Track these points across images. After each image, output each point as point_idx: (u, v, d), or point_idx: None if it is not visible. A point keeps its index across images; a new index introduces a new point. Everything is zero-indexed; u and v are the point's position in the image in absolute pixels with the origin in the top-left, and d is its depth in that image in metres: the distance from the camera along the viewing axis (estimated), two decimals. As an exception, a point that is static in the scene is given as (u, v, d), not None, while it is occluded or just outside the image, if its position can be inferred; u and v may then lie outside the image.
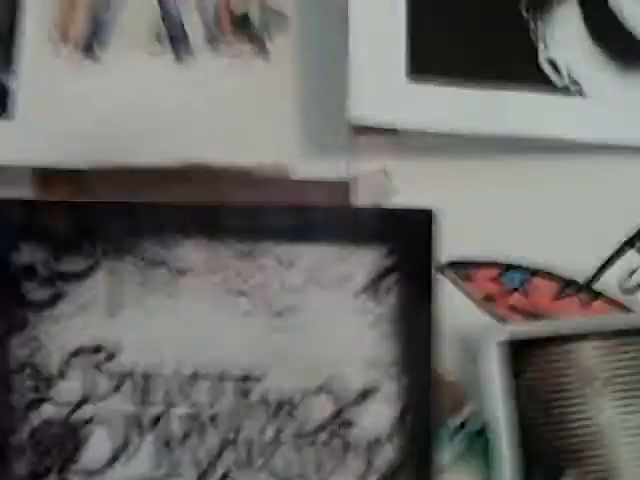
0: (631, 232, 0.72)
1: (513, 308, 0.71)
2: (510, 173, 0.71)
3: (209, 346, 0.68)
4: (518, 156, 0.70)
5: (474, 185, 0.70)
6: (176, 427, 0.69)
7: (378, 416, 0.69)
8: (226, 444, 0.69)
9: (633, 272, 0.72)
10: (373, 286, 0.69)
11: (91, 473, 0.69)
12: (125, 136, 0.69)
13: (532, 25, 0.71)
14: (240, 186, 0.69)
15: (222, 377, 0.68)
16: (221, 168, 0.69)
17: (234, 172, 0.69)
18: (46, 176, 0.69)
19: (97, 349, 0.69)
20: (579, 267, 0.71)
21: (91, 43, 0.73)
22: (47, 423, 0.69)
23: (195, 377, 0.68)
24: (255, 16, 0.73)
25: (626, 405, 0.69)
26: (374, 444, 0.69)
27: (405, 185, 0.70)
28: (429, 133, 0.68)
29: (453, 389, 0.70)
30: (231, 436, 0.69)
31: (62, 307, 0.69)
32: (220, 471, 0.69)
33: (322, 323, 0.69)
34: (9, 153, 0.67)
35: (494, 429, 0.69)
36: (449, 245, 0.69)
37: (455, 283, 0.70)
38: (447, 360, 0.70)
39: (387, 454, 0.69)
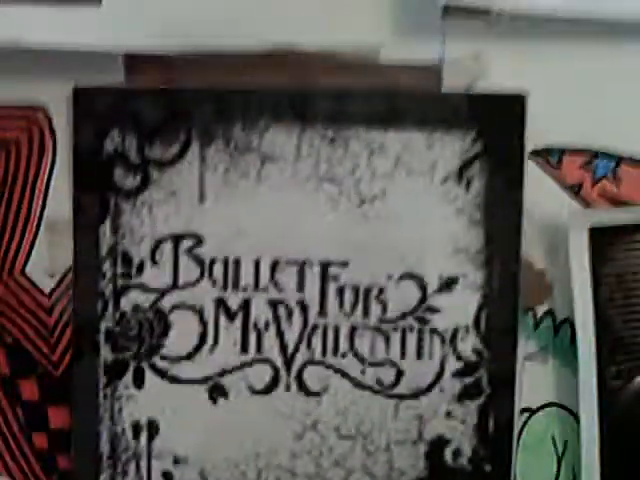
0: None
1: (601, 195, 0.70)
2: (603, 59, 0.69)
3: (296, 232, 0.69)
4: (612, 42, 0.69)
5: (566, 71, 0.69)
6: (263, 312, 0.69)
7: (463, 304, 0.69)
8: (313, 329, 0.69)
9: None
10: (461, 172, 0.68)
11: (178, 358, 0.70)
12: (215, 21, 0.68)
13: None
14: (330, 71, 0.68)
15: (308, 263, 0.69)
16: (311, 52, 0.68)
17: (324, 56, 0.68)
18: (136, 62, 0.69)
19: (186, 235, 0.69)
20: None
21: None
22: (136, 309, 0.70)
23: (281, 263, 0.69)
24: None
25: None
26: (459, 331, 0.69)
27: (497, 70, 0.68)
28: (523, 15, 0.67)
29: (539, 277, 0.70)
30: (318, 321, 0.69)
31: (152, 193, 0.69)
32: (306, 355, 0.69)
33: (409, 210, 0.69)
34: (98, 40, 0.66)
35: (579, 318, 0.69)
36: (538, 131, 0.68)
37: (544, 170, 0.70)
38: (534, 248, 0.70)
39: (471, 341, 0.69)
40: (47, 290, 0.72)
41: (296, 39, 0.68)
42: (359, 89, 0.68)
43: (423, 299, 0.69)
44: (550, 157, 0.69)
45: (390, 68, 0.68)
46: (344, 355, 0.70)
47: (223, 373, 0.70)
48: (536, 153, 0.69)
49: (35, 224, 0.71)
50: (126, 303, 0.70)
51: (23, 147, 0.71)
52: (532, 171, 0.69)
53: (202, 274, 0.70)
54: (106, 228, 0.70)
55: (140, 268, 0.70)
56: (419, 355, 0.69)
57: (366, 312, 0.69)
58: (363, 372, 0.69)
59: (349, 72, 0.68)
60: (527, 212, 0.69)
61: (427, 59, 0.68)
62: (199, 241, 0.69)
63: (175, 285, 0.70)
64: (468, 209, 0.68)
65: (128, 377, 0.70)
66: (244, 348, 0.70)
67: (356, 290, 0.69)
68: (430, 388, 0.69)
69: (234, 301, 0.70)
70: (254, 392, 0.70)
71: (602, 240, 0.68)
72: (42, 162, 0.71)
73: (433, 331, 0.69)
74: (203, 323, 0.70)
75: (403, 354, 0.69)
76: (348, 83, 0.68)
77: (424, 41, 0.68)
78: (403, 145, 0.68)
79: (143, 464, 0.71)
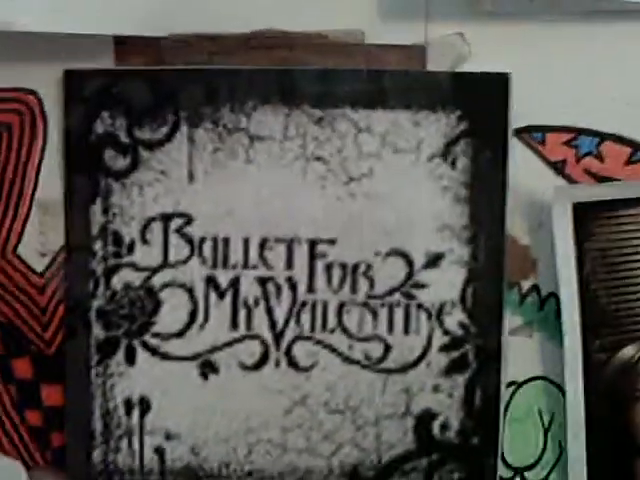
0: None
1: (585, 171, 0.71)
2: (584, 39, 0.70)
3: (285, 210, 0.70)
4: (593, 21, 0.70)
5: (549, 50, 0.70)
6: (252, 289, 0.70)
7: (449, 279, 0.70)
8: (302, 305, 0.70)
9: None
10: (447, 151, 0.69)
11: (169, 336, 0.71)
12: (203, 3, 0.69)
13: None
14: (316, 52, 0.69)
15: (297, 241, 0.70)
16: (297, 34, 0.69)
17: (310, 38, 0.69)
18: (125, 46, 0.69)
19: (176, 215, 0.70)
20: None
21: None
22: (126, 287, 0.71)
23: (270, 240, 0.70)
24: None
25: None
26: (445, 306, 0.70)
27: (480, 50, 0.69)
28: (505, -5, 0.68)
29: (524, 253, 0.71)
30: (306, 297, 0.70)
31: (142, 174, 0.70)
32: (296, 331, 0.70)
33: (395, 188, 0.69)
34: (89, 23, 0.67)
35: (564, 292, 0.70)
36: (522, 110, 0.69)
37: (528, 147, 0.71)
38: (518, 224, 0.71)
39: (458, 316, 0.70)
40: (39, 270, 0.72)
41: (282, 22, 0.68)
42: (345, 70, 0.68)
43: (410, 275, 0.70)
44: (534, 135, 0.70)
45: (375, 49, 0.69)
46: (333, 331, 0.71)
47: (213, 350, 0.71)
48: (520, 131, 0.70)
49: (27, 205, 0.72)
50: (117, 282, 0.71)
51: (14, 130, 0.71)
52: (517, 149, 0.70)
53: (192, 253, 0.70)
54: (97, 208, 0.70)
55: (131, 247, 0.71)
56: (406, 330, 0.70)
57: (354, 288, 0.70)
58: (351, 347, 0.70)
59: (334, 54, 0.69)
60: (512, 189, 0.70)
61: (411, 40, 0.69)
62: (189, 220, 0.70)
63: (165, 264, 0.71)
64: (454, 186, 0.69)
65: (120, 355, 0.71)
66: (234, 325, 0.71)
67: (344, 267, 0.70)
68: (417, 362, 0.70)
69: (224, 279, 0.70)
70: (244, 368, 0.71)
71: (586, 215, 0.69)
72: (33, 144, 0.71)
73: (420, 306, 0.70)
74: (193, 301, 0.71)
75: (390, 329, 0.70)
76: (333, 65, 0.69)
77: (408, 22, 0.69)
78: (389, 124, 0.69)
79: (135, 440, 0.72)
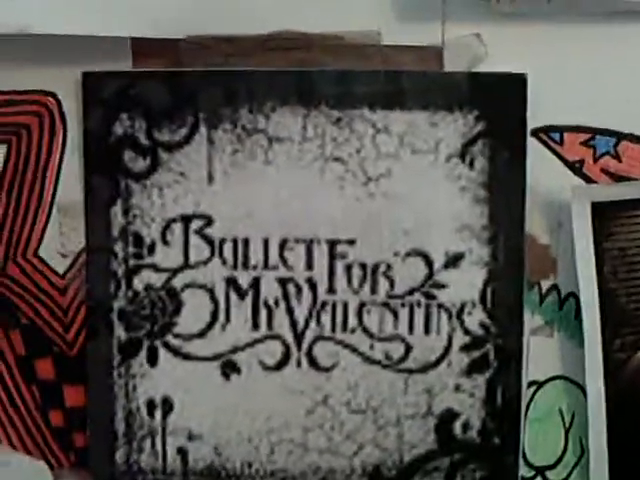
0: None
1: (603, 171, 0.71)
2: (601, 39, 0.70)
3: (305, 211, 0.70)
4: (610, 22, 0.70)
5: (565, 51, 0.70)
6: (273, 290, 0.71)
7: (469, 279, 0.70)
8: (322, 306, 0.70)
9: None
10: (464, 151, 0.69)
11: (191, 336, 0.71)
12: (220, 6, 0.69)
13: None
14: (332, 53, 0.69)
15: (316, 241, 0.70)
16: (314, 35, 0.69)
17: (326, 39, 0.69)
18: (143, 47, 0.70)
19: (196, 216, 0.71)
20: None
21: None
22: (148, 288, 0.71)
23: (290, 241, 0.70)
24: None
25: None
26: (465, 306, 0.70)
27: (497, 51, 0.69)
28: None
29: (544, 252, 0.71)
30: (327, 298, 0.70)
31: (161, 176, 0.70)
32: (316, 331, 0.71)
33: (414, 188, 0.70)
34: (107, 26, 0.67)
35: (584, 291, 0.70)
36: (539, 110, 0.69)
37: (546, 147, 0.71)
38: (538, 224, 0.71)
39: (478, 316, 0.70)
40: (61, 271, 0.73)
41: (299, 23, 0.69)
42: (363, 71, 0.69)
43: (430, 275, 0.70)
44: (552, 135, 0.70)
45: (392, 50, 0.69)
46: (353, 331, 0.71)
47: (235, 350, 0.71)
48: (538, 131, 0.70)
49: (47, 207, 0.72)
50: (138, 283, 0.71)
51: (34, 132, 0.72)
52: (535, 149, 0.70)
53: (212, 253, 0.71)
54: (117, 210, 0.71)
55: (151, 248, 0.71)
56: (427, 330, 0.71)
57: (374, 288, 0.70)
58: (372, 347, 0.71)
59: (351, 55, 0.69)
60: (530, 189, 0.70)
61: (428, 41, 0.69)
62: (209, 221, 0.70)
63: (186, 264, 0.71)
64: (472, 187, 0.69)
65: (142, 355, 0.71)
66: (255, 325, 0.71)
67: (364, 267, 0.70)
68: (438, 362, 0.71)
69: (244, 279, 0.71)
70: (266, 368, 0.71)
71: (604, 215, 0.69)
72: (53, 146, 0.72)
73: (440, 306, 0.70)
74: (214, 301, 0.71)
75: (411, 329, 0.71)
76: (350, 65, 0.69)
77: (425, 23, 0.69)
78: (407, 125, 0.69)
79: (158, 440, 0.72)
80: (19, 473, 0.73)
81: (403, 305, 0.70)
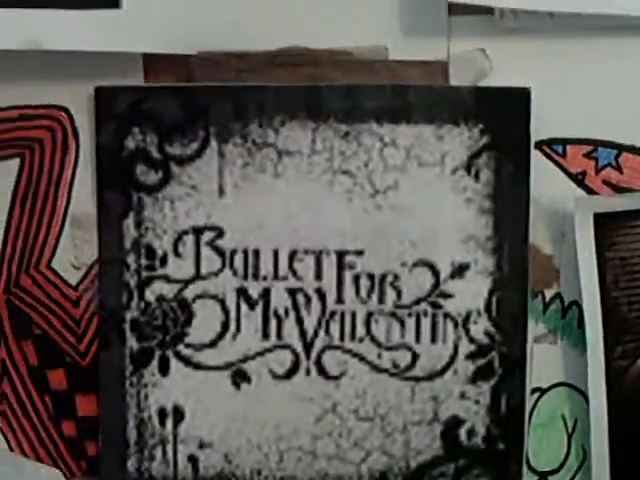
0: None
1: (605, 182, 0.72)
2: (603, 54, 0.71)
3: (314, 223, 0.71)
4: (611, 37, 0.71)
5: (568, 65, 0.71)
6: (282, 300, 0.72)
7: (475, 289, 0.72)
8: (331, 315, 0.71)
9: None
10: (470, 163, 0.71)
11: (202, 346, 0.73)
12: (231, 22, 0.70)
13: None
14: (340, 68, 0.70)
15: (325, 252, 0.71)
16: (322, 51, 0.70)
17: (334, 54, 0.70)
18: (155, 63, 0.71)
19: (207, 228, 0.72)
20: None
21: None
22: (160, 299, 0.72)
23: (299, 252, 0.71)
24: None
25: None
26: (471, 315, 0.71)
27: (502, 65, 0.70)
28: (525, 13, 0.69)
29: (547, 262, 0.72)
30: (335, 308, 0.72)
31: (173, 189, 0.72)
32: (325, 341, 0.72)
33: (421, 200, 0.71)
34: (119, 42, 0.68)
35: (586, 300, 0.71)
36: (542, 123, 0.70)
37: (549, 159, 0.72)
38: (541, 234, 0.72)
39: (483, 324, 0.72)
40: (73, 283, 0.74)
41: (307, 39, 0.70)
42: (370, 86, 0.70)
43: (436, 285, 0.71)
44: (555, 147, 0.72)
45: (399, 65, 0.70)
46: (361, 340, 0.72)
47: (245, 359, 0.72)
48: (541, 144, 0.71)
49: (60, 220, 0.73)
50: (150, 294, 0.72)
51: (47, 146, 0.73)
52: (538, 161, 0.71)
53: (223, 265, 0.72)
54: (130, 222, 0.72)
55: (163, 260, 0.72)
56: (433, 339, 0.72)
57: (381, 298, 0.71)
58: (380, 356, 0.72)
59: (359, 70, 0.70)
60: (534, 200, 0.71)
61: (434, 56, 0.70)
62: (220, 233, 0.72)
63: (197, 276, 0.72)
64: (477, 198, 0.71)
65: (154, 365, 0.72)
66: (265, 335, 0.72)
67: (371, 277, 0.71)
68: (444, 370, 0.72)
69: (255, 290, 0.72)
70: (275, 377, 0.72)
71: (606, 225, 0.70)
72: (65, 160, 0.73)
73: (446, 315, 0.71)
74: (225, 312, 0.72)
75: (418, 338, 0.72)
76: (358, 80, 0.70)
77: (431, 39, 0.70)
78: (414, 138, 0.71)
79: (169, 449, 0.73)
80: (34, 481, 0.74)
81: (410, 315, 0.71)
